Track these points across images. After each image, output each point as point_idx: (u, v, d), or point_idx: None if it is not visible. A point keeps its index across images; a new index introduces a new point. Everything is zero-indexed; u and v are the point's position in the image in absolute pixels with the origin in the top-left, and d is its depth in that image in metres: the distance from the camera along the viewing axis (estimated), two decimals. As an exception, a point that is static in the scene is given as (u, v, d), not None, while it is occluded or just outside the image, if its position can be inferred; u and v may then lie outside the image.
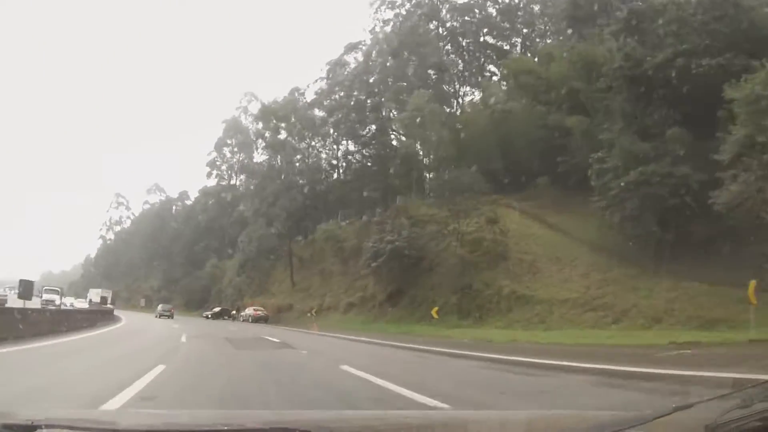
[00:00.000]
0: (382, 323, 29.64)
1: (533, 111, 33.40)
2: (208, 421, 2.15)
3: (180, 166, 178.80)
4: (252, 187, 57.08)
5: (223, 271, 61.58)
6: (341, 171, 51.54)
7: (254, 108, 66.27)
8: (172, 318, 44.44)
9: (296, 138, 51.09)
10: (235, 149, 75.57)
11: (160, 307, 51.81)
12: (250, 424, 1.99)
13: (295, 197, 47.78)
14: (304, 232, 50.77)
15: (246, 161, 73.27)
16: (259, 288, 51.97)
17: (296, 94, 56.08)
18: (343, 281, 39.15)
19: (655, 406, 1.89)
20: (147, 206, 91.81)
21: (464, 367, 10.77)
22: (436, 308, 25.70)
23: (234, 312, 47.31)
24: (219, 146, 76.44)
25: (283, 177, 49.24)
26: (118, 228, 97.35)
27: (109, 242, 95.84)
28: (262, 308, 42.64)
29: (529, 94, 34.85)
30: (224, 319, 46.31)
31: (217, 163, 77.30)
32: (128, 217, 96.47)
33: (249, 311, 42.79)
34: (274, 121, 50.30)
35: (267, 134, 50.74)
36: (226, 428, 1.83)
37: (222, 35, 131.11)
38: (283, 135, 50.80)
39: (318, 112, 53.30)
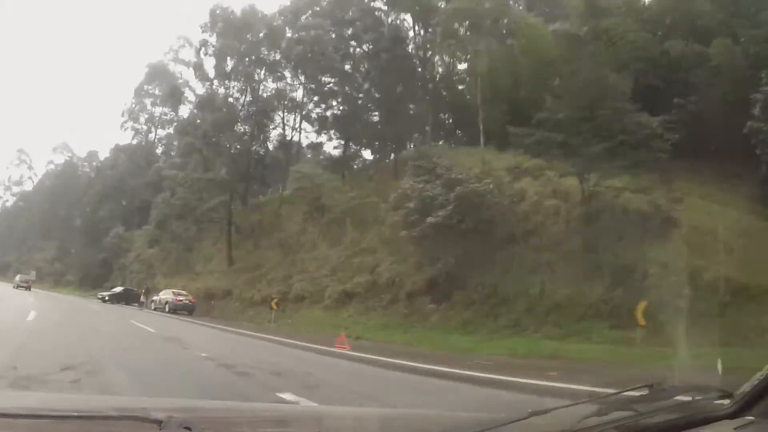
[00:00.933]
0: (420, 329, 19.47)
1: (629, 37, 25.28)
2: (60, 405, 2.09)
3: (96, 126, 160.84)
4: (185, 116, 50.67)
5: (129, 243, 54.53)
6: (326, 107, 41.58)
7: (187, 54, 58.33)
8: (29, 290, 44.29)
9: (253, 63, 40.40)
10: (158, 101, 66.85)
11: (18, 277, 50.77)
12: (103, 410, 1.95)
13: (242, 138, 39.99)
14: (254, 194, 43.97)
15: (171, 116, 64.23)
16: (177, 265, 43.42)
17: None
18: (328, 258, 28.66)
19: (510, 410, 1.84)
20: (51, 167, 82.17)
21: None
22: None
23: (142, 295, 38.78)
24: (139, 93, 67.98)
25: (225, 110, 39.80)
26: (17, 189, 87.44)
27: (6, 204, 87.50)
28: (184, 293, 33.67)
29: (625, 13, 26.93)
30: (127, 304, 38.20)
31: (135, 111, 68.68)
32: (30, 178, 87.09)
33: (166, 296, 33.38)
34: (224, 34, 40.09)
35: (213, 42, 41.45)
36: (75, 414, 1.76)
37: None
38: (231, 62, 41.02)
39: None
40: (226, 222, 38.18)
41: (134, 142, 66.72)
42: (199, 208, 37.93)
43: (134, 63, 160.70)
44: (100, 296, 40.86)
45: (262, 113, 41.58)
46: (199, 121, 40.78)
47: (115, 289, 42.56)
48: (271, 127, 43.41)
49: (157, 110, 66.95)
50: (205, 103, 41.09)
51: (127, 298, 40.13)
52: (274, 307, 24.63)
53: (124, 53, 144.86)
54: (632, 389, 1.84)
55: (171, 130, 63.19)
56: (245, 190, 41.62)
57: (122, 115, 67.37)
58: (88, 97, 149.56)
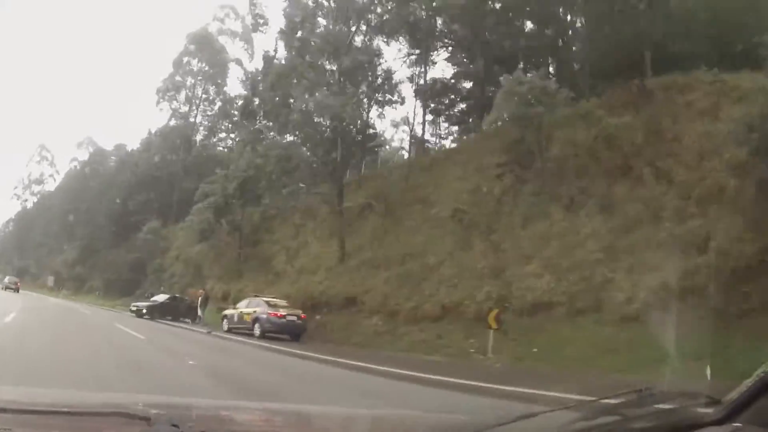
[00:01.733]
0: None
1: None
2: (47, 400, 2.13)
3: (125, 121, 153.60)
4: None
5: (168, 240, 47.44)
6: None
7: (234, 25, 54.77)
8: (18, 293, 44.02)
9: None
10: (200, 77, 59.20)
11: (7, 279, 50.55)
12: (91, 406, 2.00)
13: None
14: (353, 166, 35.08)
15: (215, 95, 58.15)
16: (238, 265, 34.49)
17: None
18: (582, 232, 17.86)
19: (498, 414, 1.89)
20: (75, 164, 76.93)
21: None
22: None
23: (198, 306, 28.39)
24: (177, 66, 59.65)
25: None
26: (38, 188, 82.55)
27: (25, 205, 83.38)
28: (285, 303, 23.08)
29: None
30: (174, 320, 30.24)
31: (172, 87, 59.54)
32: (51, 176, 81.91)
33: (254, 308, 22.66)
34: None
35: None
36: (63, 409, 1.80)
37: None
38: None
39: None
40: (335, 196, 28.07)
41: (171, 123, 60.04)
42: (289, 181, 31.19)
43: (163, 51, 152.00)
44: (135, 308, 31.75)
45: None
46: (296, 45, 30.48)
47: (156, 298, 33.39)
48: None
49: (198, 91, 60.01)
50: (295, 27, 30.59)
51: (175, 310, 31.40)
52: (494, 324, 15.41)
53: (151, 42, 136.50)
54: (620, 394, 1.90)
55: (216, 109, 58.33)
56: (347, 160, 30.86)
57: (157, 93, 59.35)
58: (115, 89, 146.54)
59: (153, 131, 60.45)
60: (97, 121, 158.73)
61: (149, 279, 45.35)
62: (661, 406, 1.83)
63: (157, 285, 42.23)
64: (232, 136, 53.90)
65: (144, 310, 30.77)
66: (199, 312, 27.77)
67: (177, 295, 33.92)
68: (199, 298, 28.12)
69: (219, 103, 56.87)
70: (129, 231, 50.92)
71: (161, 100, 59.14)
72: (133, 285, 45.50)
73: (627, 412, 1.78)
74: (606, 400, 1.91)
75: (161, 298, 33.15)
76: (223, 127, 57.12)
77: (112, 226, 55.02)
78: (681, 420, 1.73)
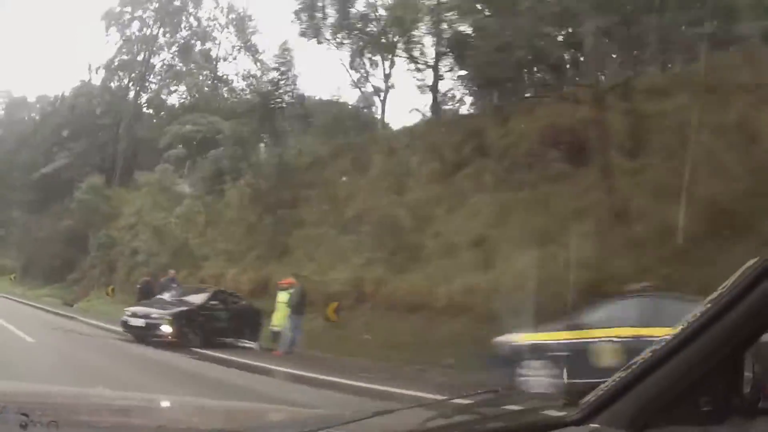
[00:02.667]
0: None
1: None
2: None
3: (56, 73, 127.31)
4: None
5: (116, 204, 36.74)
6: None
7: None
8: None
9: None
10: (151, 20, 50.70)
11: None
12: None
13: None
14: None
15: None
16: (271, 237, 25.12)
17: None
18: None
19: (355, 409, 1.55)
20: None
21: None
22: None
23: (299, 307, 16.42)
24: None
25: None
26: None
27: None
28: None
29: None
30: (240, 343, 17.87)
31: (123, 15, 49.36)
32: None
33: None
34: None
35: None
36: None
37: None
38: None
39: None
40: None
41: (120, 59, 49.50)
42: None
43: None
44: (139, 321, 16.39)
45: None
46: None
47: (189, 297, 18.01)
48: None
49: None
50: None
51: (233, 321, 17.79)
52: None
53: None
54: (478, 393, 1.94)
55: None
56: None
57: (103, 19, 48.92)
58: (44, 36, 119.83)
59: (95, 67, 48.93)
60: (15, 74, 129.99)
61: (92, 258, 34.48)
62: (518, 406, 1.92)
63: (105, 267, 32.42)
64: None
65: (163, 326, 16.11)
66: (274, 326, 16.78)
67: (223, 289, 20.16)
68: (296, 289, 16.33)
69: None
70: (58, 194, 40.05)
71: (108, 29, 48.05)
72: (65, 266, 35.43)
73: (484, 411, 1.85)
74: (462, 399, 1.99)
75: (197, 296, 18.10)
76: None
77: (32, 189, 43.23)
78: (538, 420, 1.82)
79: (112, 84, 47.33)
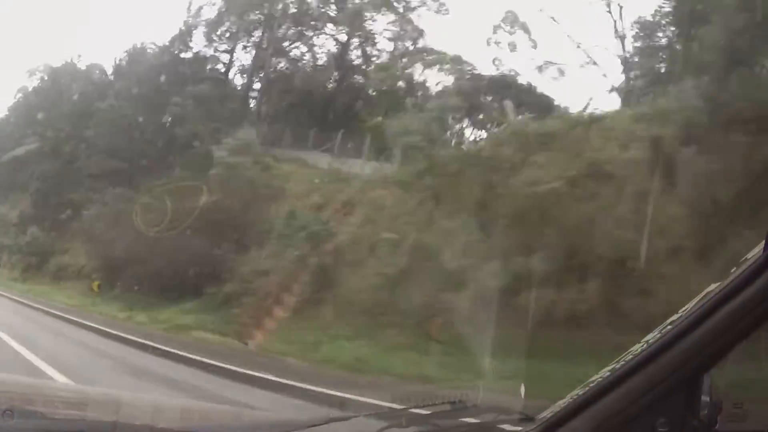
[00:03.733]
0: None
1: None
2: None
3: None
4: None
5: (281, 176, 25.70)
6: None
7: None
8: None
9: None
10: None
11: None
12: None
13: None
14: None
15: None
16: None
17: None
18: None
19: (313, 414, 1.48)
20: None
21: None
22: None
23: None
24: None
25: None
26: None
27: None
28: None
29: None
30: None
31: None
32: None
33: None
34: None
35: None
36: None
37: None
38: None
39: None
40: None
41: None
42: None
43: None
44: None
45: None
46: None
47: None
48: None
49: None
50: None
51: None
52: None
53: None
54: (434, 404, 1.91)
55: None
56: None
57: None
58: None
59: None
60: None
61: (269, 256, 19.39)
62: (475, 419, 1.91)
63: (315, 273, 17.86)
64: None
65: None
66: None
67: None
68: None
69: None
70: (162, 158, 28.62)
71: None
72: (199, 270, 19.97)
73: (439, 423, 1.84)
74: (418, 410, 1.97)
75: None
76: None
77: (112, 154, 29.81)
78: None
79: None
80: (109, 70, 42.28)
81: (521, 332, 10.57)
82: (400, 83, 29.94)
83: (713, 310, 1.46)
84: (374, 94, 30.85)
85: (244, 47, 34.67)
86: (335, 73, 33.57)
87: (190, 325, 17.33)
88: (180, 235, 19.46)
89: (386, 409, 2.27)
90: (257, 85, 34.44)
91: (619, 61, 26.90)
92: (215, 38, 34.26)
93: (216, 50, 34.78)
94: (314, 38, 34.31)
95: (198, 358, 11.97)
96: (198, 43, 34.33)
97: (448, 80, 28.54)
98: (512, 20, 26.98)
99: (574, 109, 22.01)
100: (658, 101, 16.86)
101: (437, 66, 30.16)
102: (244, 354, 13.82)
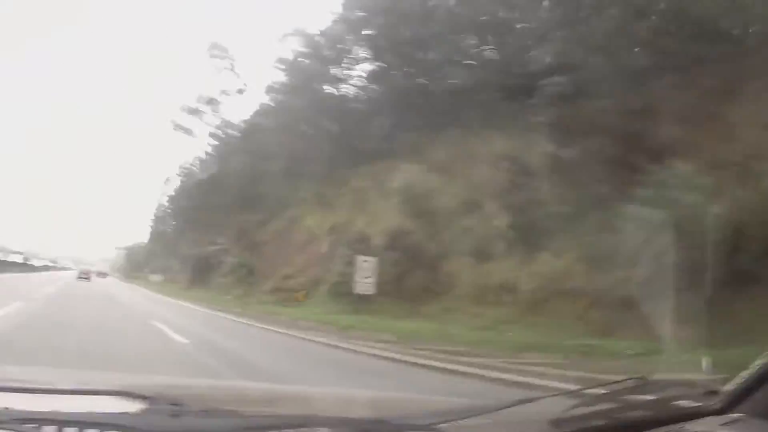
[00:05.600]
0: None
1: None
2: (49, 378, 2.21)
3: None
4: None
5: None
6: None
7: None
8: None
9: None
10: None
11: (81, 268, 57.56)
12: (92, 385, 2.06)
13: None
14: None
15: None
16: None
17: None
18: None
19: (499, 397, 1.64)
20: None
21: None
22: None
23: None
24: None
25: None
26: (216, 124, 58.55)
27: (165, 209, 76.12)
28: None
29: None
30: None
31: None
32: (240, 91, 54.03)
33: None
34: None
35: None
36: (66, 388, 1.88)
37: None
38: None
39: None
40: None
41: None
42: None
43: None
44: None
45: None
46: None
47: None
48: None
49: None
50: None
51: None
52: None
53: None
54: (619, 382, 1.96)
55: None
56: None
57: None
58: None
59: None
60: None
61: None
62: (658, 395, 1.93)
63: None
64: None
65: None
66: None
67: None
68: None
69: None
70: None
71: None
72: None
73: (624, 400, 1.88)
74: (603, 389, 2.01)
75: None
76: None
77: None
78: (681, 409, 1.84)
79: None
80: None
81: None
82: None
83: None
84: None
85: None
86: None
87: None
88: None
89: (573, 389, 2.29)
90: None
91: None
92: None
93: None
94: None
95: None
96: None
97: None
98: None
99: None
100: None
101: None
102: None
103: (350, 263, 23.12)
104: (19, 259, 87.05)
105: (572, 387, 6.00)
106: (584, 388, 2.15)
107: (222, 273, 44.53)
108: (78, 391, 1.86)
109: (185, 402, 1.62)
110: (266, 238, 40.05)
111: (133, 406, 1.61)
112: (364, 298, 21.91)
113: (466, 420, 1.78)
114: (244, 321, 21.09)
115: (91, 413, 1.49)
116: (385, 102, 31.96)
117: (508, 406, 1.86)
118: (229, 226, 46.79)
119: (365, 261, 22.35)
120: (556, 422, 1.69)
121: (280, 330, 18.18)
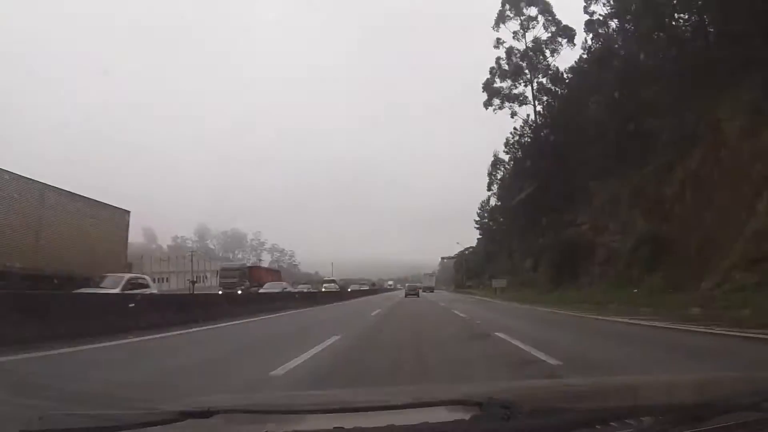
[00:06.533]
0: None
1: None
2: (373, 398, 2.50)
3: None
4: None
5: None
6: None
7: None
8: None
9: None
10: None
11: (407, 285, 59.13)
12: (422, 398, 2.21)
13: None
14: None
15: None
16: None
17: None
18: None
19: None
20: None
21: None
22: None
23: None
24: None
25: None
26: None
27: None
28: None
29: None
30: None
31: None
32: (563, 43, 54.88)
33: None
34: None
35: None
36: (398, 403, 2.06)
37: None
38: None
39: None
40: None
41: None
42: None
43: None
44: None
45: None
46: None
47: None
48: None
49: None
50: None
51: None
52: None
53: None
54: None
55: None
56: None
57: None
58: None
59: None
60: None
61: None
62: None
63: None
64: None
65: None
66: None
67: None
68: None
69: None
70: None
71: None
72: None
73: None
74: None
75: None
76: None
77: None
78: None
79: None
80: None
81: None
82: None
83: None
84: None
85: None
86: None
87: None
88: None
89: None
90: None
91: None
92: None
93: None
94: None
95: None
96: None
97: None
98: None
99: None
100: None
101: None
102: None
103: None
104: (366, 285, 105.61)
105: None
106: None
107: (598, 261, 32.67)
108: (412, 404, 2.00)
109: (515, 404, 1.68)
110: (675, 192, 26.17)
111: (466, 414, 1.72)
112: None
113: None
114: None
115: (425, 423, 1.67)
116: None
117: None
118: (596, 192, 36.22)
119: None
120: None
121: None
